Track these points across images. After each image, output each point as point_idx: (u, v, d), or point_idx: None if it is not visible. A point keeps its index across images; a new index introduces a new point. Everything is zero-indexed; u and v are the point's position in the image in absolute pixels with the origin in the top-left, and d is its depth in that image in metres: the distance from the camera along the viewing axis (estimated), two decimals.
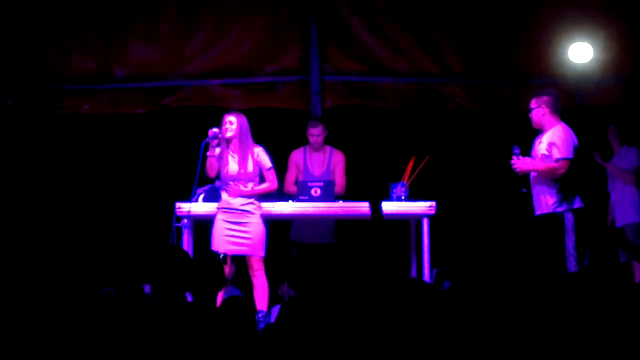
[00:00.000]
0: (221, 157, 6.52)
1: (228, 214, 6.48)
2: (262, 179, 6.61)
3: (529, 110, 6.44)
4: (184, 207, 6.76)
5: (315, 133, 7.48)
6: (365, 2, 8.11)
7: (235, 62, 8.17)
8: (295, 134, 7.81)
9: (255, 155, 6.52)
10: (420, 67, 8.21)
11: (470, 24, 8.06)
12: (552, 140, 6.29)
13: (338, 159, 7.56)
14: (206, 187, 6.83)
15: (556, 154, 6.25)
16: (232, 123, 6.47)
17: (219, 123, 6.56)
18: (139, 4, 8.04)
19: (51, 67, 8.04)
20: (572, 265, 6.16)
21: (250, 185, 6.51)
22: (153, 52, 8.10)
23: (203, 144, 6.53)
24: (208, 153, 6.47)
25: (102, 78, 8.10)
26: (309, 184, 6.97)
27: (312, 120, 7.65)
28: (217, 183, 6.75)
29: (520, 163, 6.38)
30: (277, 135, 7.91)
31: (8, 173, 8.15)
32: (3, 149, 8.15)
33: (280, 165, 7.56)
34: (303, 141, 7.62)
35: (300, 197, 6.93)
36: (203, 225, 6.74)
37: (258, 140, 6.65)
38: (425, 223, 6.82)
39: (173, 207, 6.75)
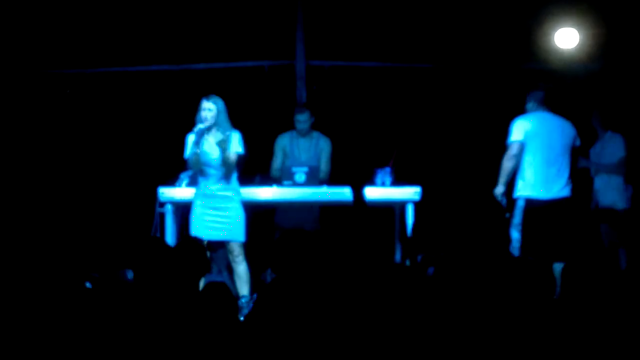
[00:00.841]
0: (199, 142, 6.42)
1: (207, 199, 6.42)
2: (238, 164, 6.51)
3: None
4: (167, 192, 6.73)
5: (302, 119, 7.44)
6: None
7: (220, 45, 8.13)
8: (280, 119, 7.77)
9: (232, 139, 6.43)
10: (408, 52, 8.20)
11: (458, 11, 8.04)
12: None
13: (324, 145, 7.53)
14: (190, 173, 6.78)
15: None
16: (210, 110, 6.39)
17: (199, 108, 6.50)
18: None
19: None
20: (514, 249, 6.36)
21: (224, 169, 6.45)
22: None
23: (193, 143, 6.38)
24: (196, 150, 6.35)
25: None
26: (293, 169, 6.96)
27: (298, 107, 7.62)
28: None
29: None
30: (261, 120, 7.88)
31: None
32: None
33: (265, 150, 7.53)
34: (288, 126, 7.58)
35: (285, 182, 6.92)
36: (186, 211, 6.69)
37: (243, 126, 6.59)
38: (410, 209, 6.81)
39: (156, 192, 6.72)
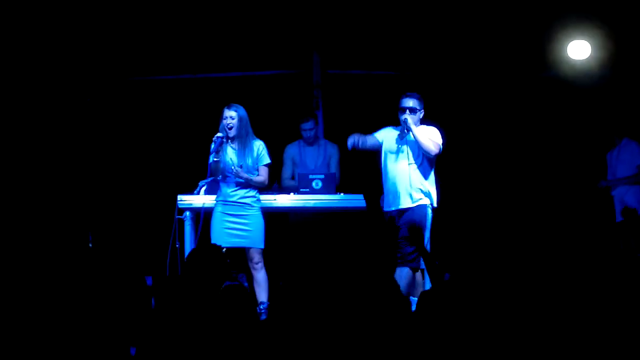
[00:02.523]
0: (221, 149, 6.54)
1: (227, 207, 6.51)
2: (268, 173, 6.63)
3: (411, 110, 6.47)
4: (185, 199, 6.81)
5: (307, 127, 7.47)
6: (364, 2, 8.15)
7: (237, 55, 8.20)
8: (295, 128, 7.83)
9: (255, 149, 6.55)
10: (420, 61, 8.25)
11: (470, 21, 8.10)
12: (430, 134, 6.51)
13: (332, 152, 7.55)
14: (208, 180, 6.85)
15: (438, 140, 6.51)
16: (232, 117, 6.49)
17: (219, 117, 6.59)
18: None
19: None
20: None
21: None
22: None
23: (212, 152, 6.52)
24: (215, 158, 6.47)
25: None
26: (310, 176, 7.00)
27: (303, 116, 7.61)
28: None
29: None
30: (277, 129, 7.93)
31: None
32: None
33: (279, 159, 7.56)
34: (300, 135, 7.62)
35: (302, 190, 6.96)
36: (205, 218, 6.76)
37: (259, 134, 6.67)
38: None
39: (175, 199, 6.80)
